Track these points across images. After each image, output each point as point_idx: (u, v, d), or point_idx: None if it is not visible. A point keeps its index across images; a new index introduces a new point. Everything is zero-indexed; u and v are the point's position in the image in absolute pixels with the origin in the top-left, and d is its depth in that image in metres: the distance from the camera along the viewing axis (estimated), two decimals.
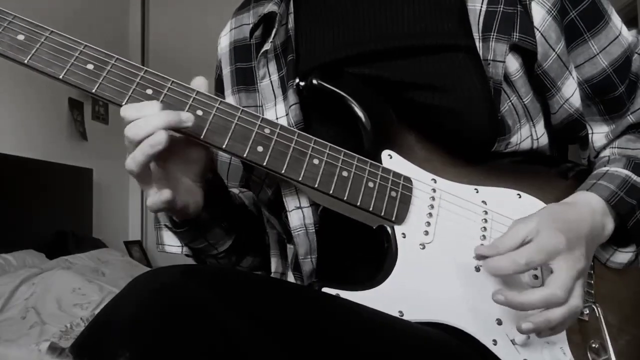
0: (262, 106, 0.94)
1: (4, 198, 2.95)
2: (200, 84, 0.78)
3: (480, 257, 0.77)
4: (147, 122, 0.71)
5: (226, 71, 1.02)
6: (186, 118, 0.73)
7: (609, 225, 0.84)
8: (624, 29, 0.91)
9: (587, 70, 0.89)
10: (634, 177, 0.86)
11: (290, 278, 0.97)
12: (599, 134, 0.95)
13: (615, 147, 0.94)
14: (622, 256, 0.89)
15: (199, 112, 0.76)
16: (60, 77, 0.74)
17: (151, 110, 0.72)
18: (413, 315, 0.77)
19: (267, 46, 0.92)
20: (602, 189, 0.84)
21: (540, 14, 0.85)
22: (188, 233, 0.88)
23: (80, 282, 2.57)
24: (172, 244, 0.93)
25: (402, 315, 0.76)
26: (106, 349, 0.55)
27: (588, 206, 0.82)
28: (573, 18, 0.87)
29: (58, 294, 2.46)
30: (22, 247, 2.95)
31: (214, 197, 0.86)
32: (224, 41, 1.04)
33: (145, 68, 0.76)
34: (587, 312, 0.85)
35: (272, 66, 0.93)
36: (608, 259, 0.90)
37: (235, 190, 1.05)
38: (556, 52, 0.86)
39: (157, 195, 0.75)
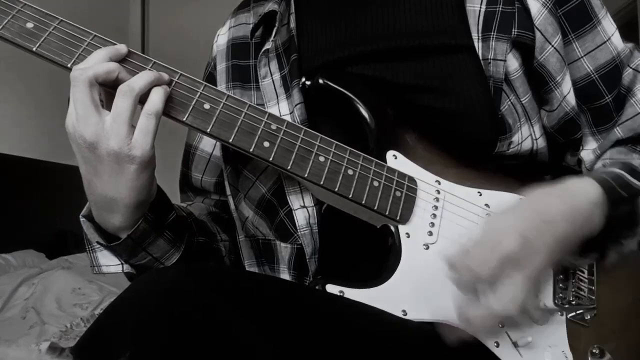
0: (264, 104, 0.93)
1: (4, 198, 2.95)
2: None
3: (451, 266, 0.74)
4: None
5: (221, 67, 1.01)
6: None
7: (597, 219, 0.79)
8: (616, 37, 0.89)
9: (573, 73, 0.89)
10: (628, 175, 0.83)
11: (285, 277, 0.95)
12: (587, 150, 0.94)
13: (607, 159, 0.92)
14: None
15: (206, 106, 0.77)
16: (69, 65, 0.74)
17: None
18: (416, 314, 0.77)
19: (269, 45, 0.92)
20: (595, 175, 0.83)
21: (535, 7, 0.85)
22: (125, 245, 0.82)
23: (80, 282, 2.57)
24: (109, 264, 0.85)
25: (405, 315, 0.76)
26: (108, 350, 0.55)
27: (583, 196, 0.79)
28: (559, 17, 0.86)
29: (58, 294, 2.46)
30: (22, 247, 2.95)
31: (156, 206, 0.83)
32: (222, 39, 1.04)
33: (154, 60, 0.77)
34: (589, 317, 0.85)
35: (274, 65, 0.93)
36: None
37: (183, 204, 1.03)
38: (553, 45, 0.85)
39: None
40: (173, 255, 0.87)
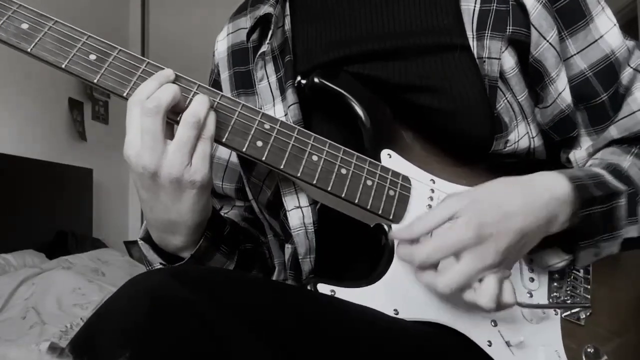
0: (260, 107, 0.93)
1: (4, 198, 2.96)
2: None
3: (394, 239, 0.77)
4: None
5: (224, 76, 1.02)
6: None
7: (562, 216, 0.77)
8: (611, 35, 0.87)
9: (568, 70, 0.88)
10: (609, 177, 0.81)
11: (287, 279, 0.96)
12: (581, 149, 0.92)
13: (597, 159, 0.90)
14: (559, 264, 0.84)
15: None
16: (63, 66, 0.74)
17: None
18: (408, 314, 0.77)
19: (264, 47, 0.92)
20: (569, 172, 0.81)
21: (529, 2, 0.84)
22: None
23: (80, 282, 2.57)
24: None
25: (396, 314, 0.76)
26: (100, 350, 0.56)
27: (547, 191, 0.77)
28: (553, 12, 0.86)
29: (58, 294, 2.46)
30: (22, 247, 2.95)
31: (211, 223, 0.86)
32: (222, 46, 1.04)
33: (148, 60, 0.77)
34: (584, 316, 0.85)
35: (270, 68, 0.93)
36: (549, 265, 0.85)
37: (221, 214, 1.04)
38: (548, 40, 0.84)
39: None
40: (229, 267, 0.91)
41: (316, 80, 0.86)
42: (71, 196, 3.59)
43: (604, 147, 0.90)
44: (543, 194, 0.76)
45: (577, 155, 0.91)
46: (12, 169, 3.07)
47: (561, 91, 0.86)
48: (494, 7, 0.85)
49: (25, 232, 3.12)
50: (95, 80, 0.75)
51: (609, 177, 0.81)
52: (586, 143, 0.91)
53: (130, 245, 4.18)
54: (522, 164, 0.90)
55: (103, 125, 4.23)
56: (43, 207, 3.31)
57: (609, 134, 0.89)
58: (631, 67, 0.89)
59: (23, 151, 3.21)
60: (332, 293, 0.76)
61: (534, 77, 0.87)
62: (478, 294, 0.72)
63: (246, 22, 1.01)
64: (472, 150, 0.87)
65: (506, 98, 0.86)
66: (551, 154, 0.95)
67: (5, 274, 2.59)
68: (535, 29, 0.84)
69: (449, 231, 0.72)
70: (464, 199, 0.74)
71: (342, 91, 0.86)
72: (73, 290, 2.52)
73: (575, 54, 0.87)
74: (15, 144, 3.20)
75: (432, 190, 0.84)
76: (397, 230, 0.78)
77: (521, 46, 0.85)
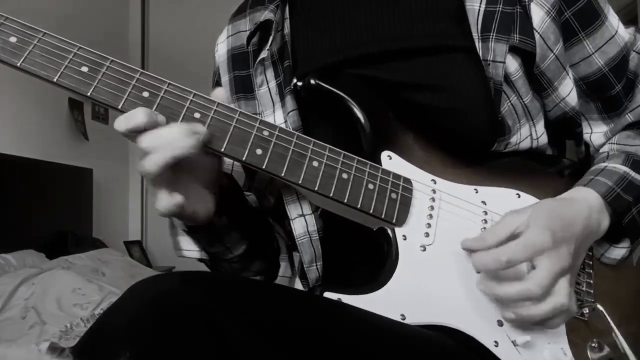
0: (260, 113, 0.93)
1: (4, 198, 2.95)
2: (220, 95, 0.77)
3: (467, 249, 0.78)
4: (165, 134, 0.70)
5: (225, 79, 1.01)
6: (200, 129, 0.72)
7: (605, 221, 0.84)
8: (621, 28, 0.91)
9: (583, 69, 0.89)
10: (632, 173, 0.87)
11: (298, 285, 0.96)
12: (597, 133, 0.95)
13: (614, 143, 0.94)
14: (616, 252, 0.90)
15: (197, 115, 0.75)
16: (54, 80, 0.71)
17: (141, 119, 0.70)
18: (415, 318, 0.76)
19: (264, 54, 0.91)
20: (600, 184, 0.85)
21: (539, 15, 0.84)
22: (203, 237, 0.87)
23: (80, 282, 2.58)
24: (190, 249, 0.91)
25: (403, 319, 0.75)
26: (106, 352, 0.55)
27: (585, 202, 0.82)
28: (568, 18, 0.86)
29: (58, 294, 2.46)
30: (22, 247, 2.95)
31: (228, 202, 0.85)
32: (222, 48, 1.03)
33: (141, 70, 0.74)
34: (587, 311, 0.85)
35: (270, 73, 0.92)
36: (602, 254, 0.90)
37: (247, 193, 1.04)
38: (554, 53, 0.85)
39: (169, 199, 0.73)
40: (241, 247, 0.92)
41: (312, 82, 0.85)
42: (71, 196, 3.59)
43: (619, 130, 0.95)
44: (582, 205, 0.82)
45: (595, 140, 0.96)
46: (12, 169, 3.07)
47: (564, 97, 0.89)
48: (500, 9, 0.84)
49: (25, 232, 3.12)
50: (88, 94, 0.72)
51: (633, 175, 0.87)
52: (600, 127, 0.96)
53: (130, 245, 4.18)
54: (523, 160, 0.91)
55: (103, 125, 4.23)
56: (43, 207, 3.30)
57: (625, 120, 0.93)
58: (635, 52, 0.92)
59: (23, 151, 3.21)
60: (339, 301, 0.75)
61: (537, 85, 0.88)
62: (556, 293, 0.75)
63: (246, 24, 1.01)
64: (472, 149, 0.87)
65: (510, 101, 0.86)
66: (555, 150, 0.97)
67: (5, 274, 2.59)
68: (544, 41, 0.85)
69: (530, 235, 0.74)
70: (524, 213, 0.77)
71: (340, 92, 0.85)
72: (73, 290, 2.52)
73: (593, 53, 0.89)
74: (15, 144, 3.20)
75: (434, 191, 0.84)
76: (470, 242, 0.79)
77: (525, 54, 0.85)
